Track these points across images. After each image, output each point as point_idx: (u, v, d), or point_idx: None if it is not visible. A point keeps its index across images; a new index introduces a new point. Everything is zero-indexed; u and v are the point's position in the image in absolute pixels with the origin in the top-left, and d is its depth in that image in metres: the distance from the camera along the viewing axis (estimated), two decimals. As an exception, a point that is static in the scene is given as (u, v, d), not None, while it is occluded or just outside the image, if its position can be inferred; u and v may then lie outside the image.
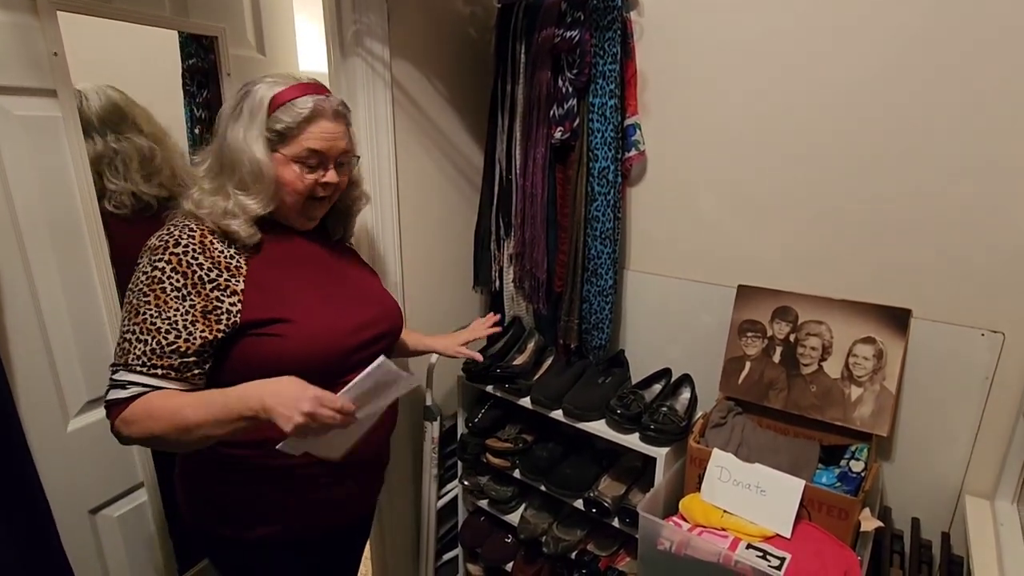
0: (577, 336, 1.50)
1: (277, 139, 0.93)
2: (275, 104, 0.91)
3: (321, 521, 1.05)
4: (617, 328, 1.57)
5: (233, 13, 1.52)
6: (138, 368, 0.84)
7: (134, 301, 0.86)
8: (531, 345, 1.58)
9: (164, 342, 0.85)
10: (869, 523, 1.05)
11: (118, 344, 0.87)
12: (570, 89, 1.34)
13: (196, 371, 0.88)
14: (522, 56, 1.42)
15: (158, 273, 0.86)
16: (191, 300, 0.86)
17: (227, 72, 1.45)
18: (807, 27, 1.17)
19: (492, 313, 1.46)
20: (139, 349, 0.84)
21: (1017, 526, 1.04)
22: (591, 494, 1.36)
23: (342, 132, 0.98)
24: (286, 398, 0.80)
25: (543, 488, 1.46)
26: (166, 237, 0.88)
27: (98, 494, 1.21)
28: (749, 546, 1.06)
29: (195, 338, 0.86)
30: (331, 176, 0.98)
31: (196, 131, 1.48)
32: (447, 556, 1.80)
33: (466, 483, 1.66)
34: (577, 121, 1.36)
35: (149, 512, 1.32)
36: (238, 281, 0.91)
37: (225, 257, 0.91)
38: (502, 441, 1.53)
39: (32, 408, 1.05)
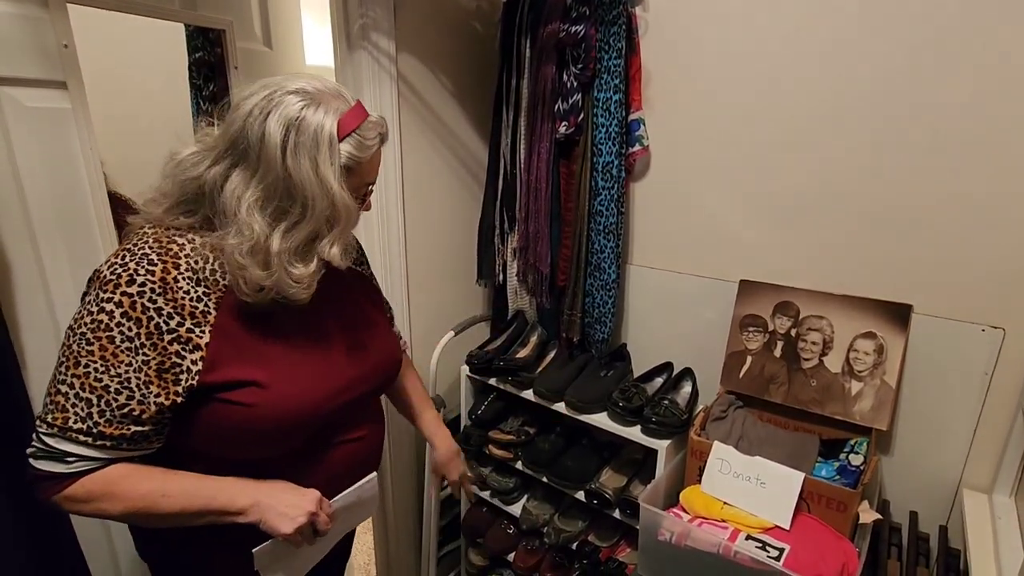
0: (580, 330, 1.51)
1: (342, 174, 0.77)
2: (342, 134, 0.76)
3: None
4: (619, 322, 1.58)
5: (240, 6, 1.53)
6: (82, 438, 0.70)
7: (75, 347, 0.71)
8: (534, 339, 1.59)
9: (115, 404, 0.70)
10: (868, 516, 1.06)
11: (50, 395, 0.71)
12: (575, 84, 1.35)
13: (153, 439, 0.75)
14: (527, 51, 1.42)
15: (104, 317, 0.70)
16: (144, 354, 0.71)
17: (234, 65, 1.46)
18: (808, 26, 1.17)
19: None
20: (81, 411, 0.70)
21: (1014, 520, 1.05)
22: (592, 486, 1.38)
23: None
24: (288, 501, 0.77)
25: (545, 480, 1.47)
26: (119, 269, 0.72)
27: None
28: (748, 537, 1.08)
29: (149, 403, 0.72)
30: (369, 203, 0.87)
31: (203, 124, 1.50)
32: (449, 546, 1.82)
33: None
34: (582, 116, 1.36)
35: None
36: (203, 332, 0.75)
37: (191, 299, 0.74)
38: (505, 433, 1.54)
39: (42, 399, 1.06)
